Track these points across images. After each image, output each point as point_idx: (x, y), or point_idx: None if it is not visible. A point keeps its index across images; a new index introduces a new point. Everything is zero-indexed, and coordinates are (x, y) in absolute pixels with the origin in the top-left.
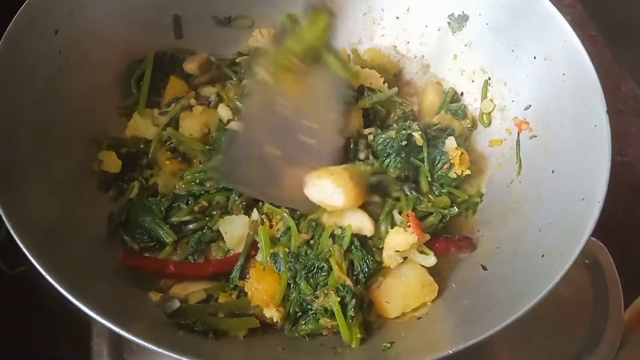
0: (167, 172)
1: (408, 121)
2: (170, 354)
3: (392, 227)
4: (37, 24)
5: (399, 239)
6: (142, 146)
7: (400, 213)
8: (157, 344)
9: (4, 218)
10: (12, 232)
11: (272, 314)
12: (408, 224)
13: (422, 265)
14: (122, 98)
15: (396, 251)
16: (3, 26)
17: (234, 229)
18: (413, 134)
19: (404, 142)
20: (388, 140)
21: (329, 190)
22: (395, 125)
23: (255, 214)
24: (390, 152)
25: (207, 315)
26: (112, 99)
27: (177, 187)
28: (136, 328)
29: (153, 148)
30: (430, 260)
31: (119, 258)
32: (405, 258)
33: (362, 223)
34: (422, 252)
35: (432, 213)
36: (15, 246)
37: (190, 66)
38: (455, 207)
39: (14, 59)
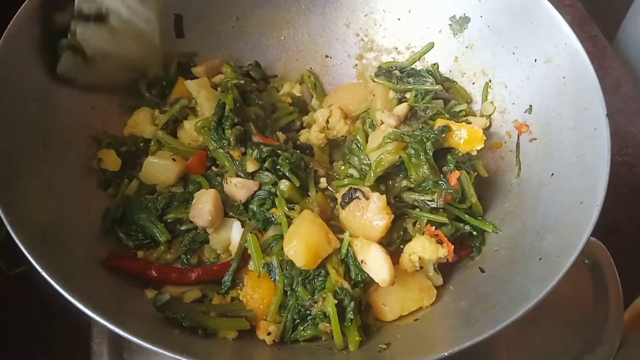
0: None
1: None
2: (164, 352)
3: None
4: (36, 23)
5: (431, 247)
6: (141, 144)
7: (414, 224)
8: (150, 341)
9: (2, 216)
10: (10, 230)
11: (264, 337)
12: (438, 240)
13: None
14: (122, 96)
15: (419, 257)
16: (3, 26)
17: (221, 231)
18: None
19: None
20: None
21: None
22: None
23: (237, 225)
24: None
25: (197, 312)
26: (112, 97)
27: (174, 186)
28: (130, 325)
29: (152, 147)
30: (439, 280)
31: (103, 258)
32: (421, 267)
33: (381, 271)
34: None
35: (446, 224)
36: (15, 246)
37: (198, 70)
38: (469, 225)
39: (13, 58)
